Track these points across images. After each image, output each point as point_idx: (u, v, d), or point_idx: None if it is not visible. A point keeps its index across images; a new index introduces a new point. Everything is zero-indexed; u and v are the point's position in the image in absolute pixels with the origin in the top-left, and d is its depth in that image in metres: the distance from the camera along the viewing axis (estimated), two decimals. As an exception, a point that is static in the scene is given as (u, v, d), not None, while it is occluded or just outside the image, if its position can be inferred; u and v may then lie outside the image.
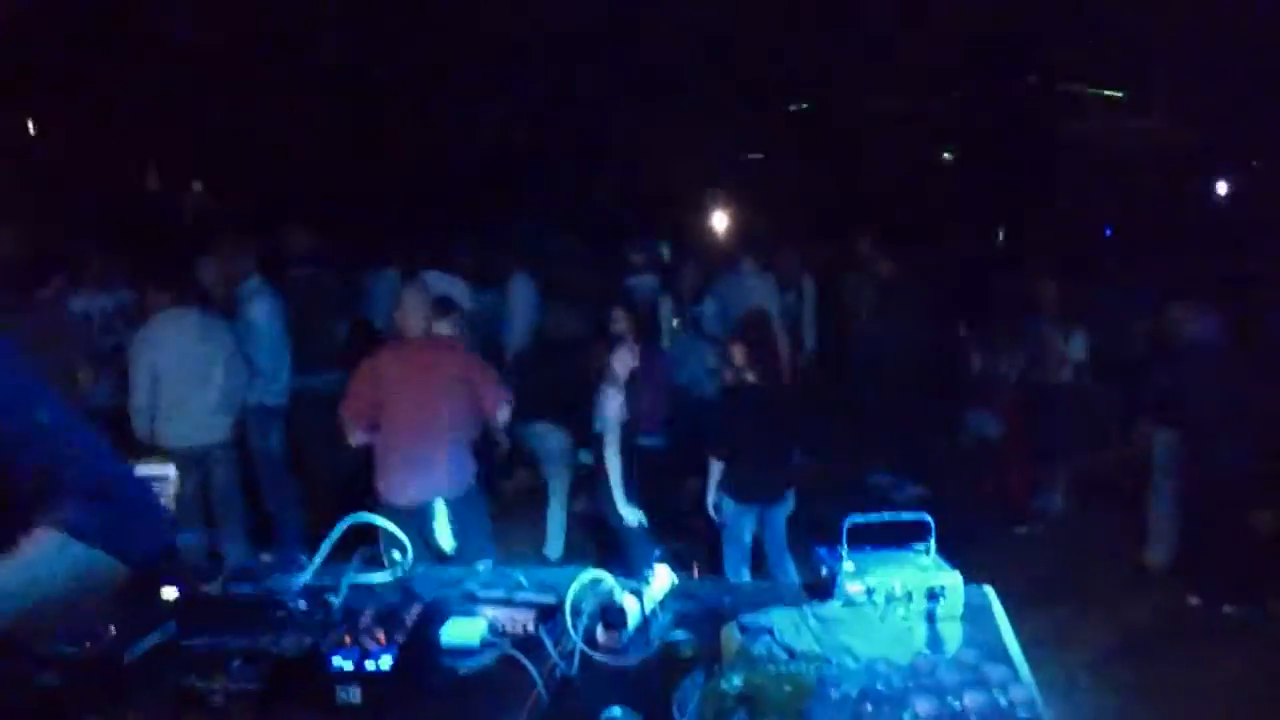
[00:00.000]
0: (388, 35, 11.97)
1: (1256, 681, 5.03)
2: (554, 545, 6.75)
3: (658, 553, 2.78)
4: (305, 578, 2.59)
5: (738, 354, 5.55)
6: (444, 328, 5.89)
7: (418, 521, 4.84)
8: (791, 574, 5.48)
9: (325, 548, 2.61)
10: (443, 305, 6.03)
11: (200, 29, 11.18)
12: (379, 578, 2.65)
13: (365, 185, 12.22)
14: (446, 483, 5.00)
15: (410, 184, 12.51)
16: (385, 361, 5.16)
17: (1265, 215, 11.58)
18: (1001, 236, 9.45)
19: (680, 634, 2.09)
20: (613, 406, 5.50)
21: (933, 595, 2.51)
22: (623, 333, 6.84)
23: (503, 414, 5.26)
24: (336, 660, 2.13)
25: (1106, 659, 5.33)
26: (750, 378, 5.53)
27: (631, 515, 5.49)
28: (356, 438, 5.09)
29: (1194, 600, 5.85)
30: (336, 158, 12.40)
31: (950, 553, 2.64)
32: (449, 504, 4.99)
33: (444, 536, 4.90)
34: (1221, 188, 13.83)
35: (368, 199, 11.53)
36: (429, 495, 4.96)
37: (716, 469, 5.54)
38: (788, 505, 5.63)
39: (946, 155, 12.52)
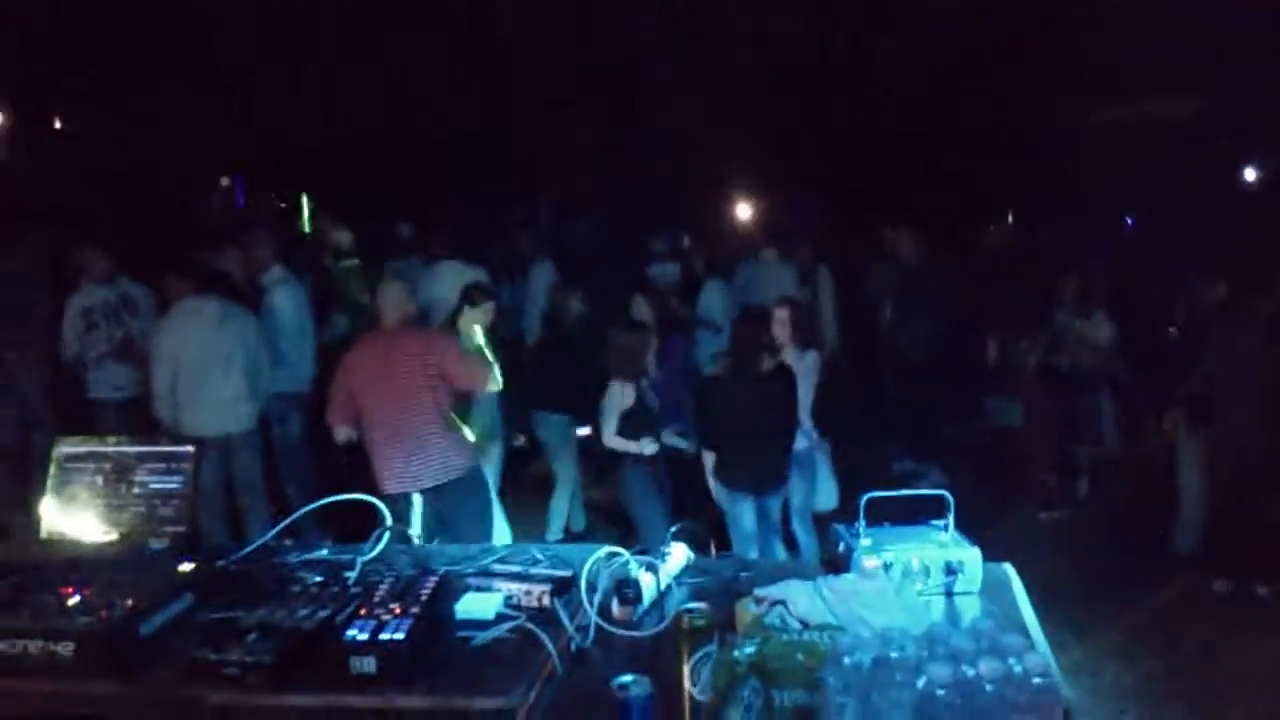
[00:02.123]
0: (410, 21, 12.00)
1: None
2: (554, 529, 6.79)
3: (674, 529, 2.77)
4: (321, 552, 2.60)
5: (781, 332, 5.57)
6: (476, 316, 5.90)
7: (409, 510, 4.86)
8: (780, 555, 5.51)
9: (297, 514, 2.66)
10: (470, 293, 6.04)
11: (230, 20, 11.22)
12: (392, 554, 2.66)
13: (387, 175, 12.26)
14: (429, 471, 4.97)
15: (430, 172, 12.54)
16: (355, 357, 5.15)
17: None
18: (1022, 223, 9.35)
19: (694, 606, 2.08)
20: (616, 395, 5.54)
21: (950, 570, 2.50)
22: (644, 320, 6.84)
23: (483, 385, 5.22)
24: (351, 632, 2.12)
25: (1132, 641, 5.30)
26: (787, 359, 5.54)
27: (640, 445, 5.52)
28: (340, 435, 5.10)
29: (1221, 585, 5.79)
30: (357, 148, 12.45)
31: (972, 536, 2.61)
32: (442, 490, 4.98)
33: (415, 525, 4.87)
34: (1250, 174, 13.67)
35: (391, 189, 11.54)
36: (412, 485, 4.95)
37: (709, 458, 5.54)
38: (784, 492, 5.64)
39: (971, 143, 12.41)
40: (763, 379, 5.42)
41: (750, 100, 12.58)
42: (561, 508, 6.83)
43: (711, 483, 5.55)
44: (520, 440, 6.99)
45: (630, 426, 5.53)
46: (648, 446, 5.53)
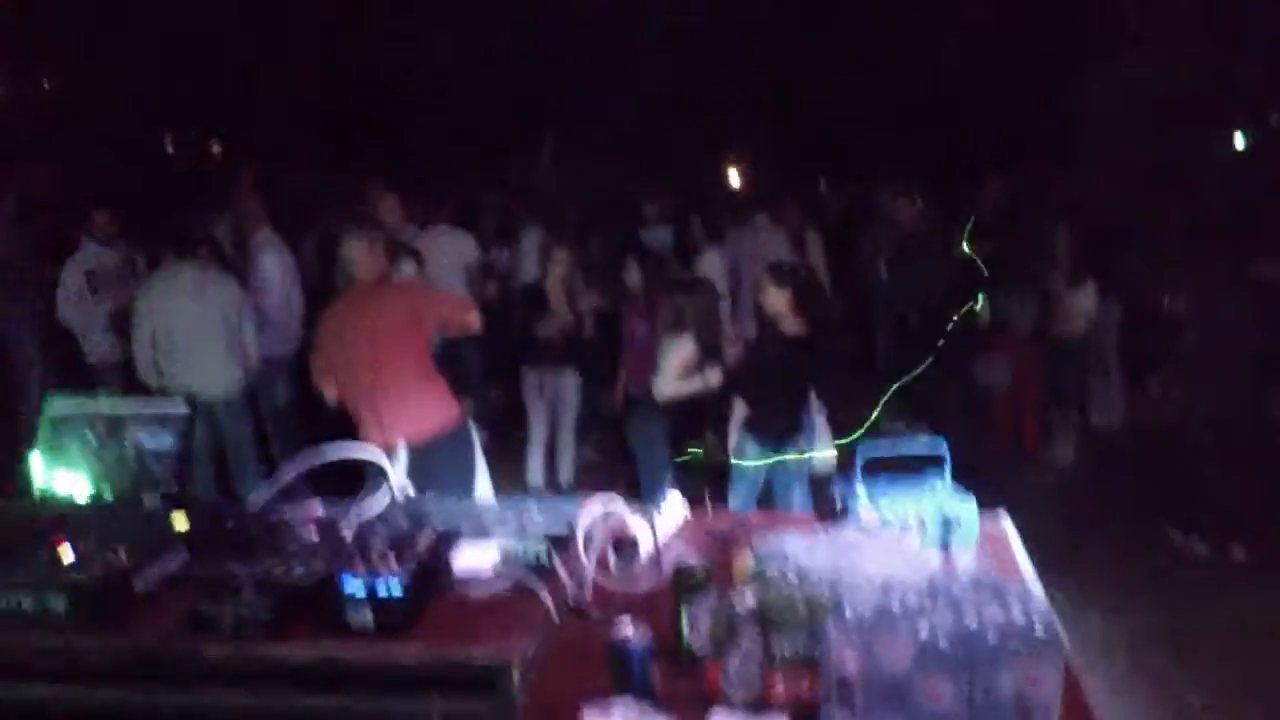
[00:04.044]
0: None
1: (1270, 624, 5.04)
2: (534, 481, 6.83)
3: (670, 483, 2.76)
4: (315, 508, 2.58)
5: (778, 299, 5.52)
6: (408, 269, 5.87)
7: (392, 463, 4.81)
8: (802, 505, 5.52)
9: (293, 469, 2.65)
10: (400, 249, 6.00)
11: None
12: (387, 509, 2.64)
13: (378, 141, 12.18)
14: (415, 423, 4.88)
15: (423, 137, 12.45)
16: (335, 316, 5.04)
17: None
18: (1016, 185, 9.31)
19: (692, 559, 2.07)
20: (686, 348, 5.62)
21: (948, 523, 2.50)
22: (633, 284, 6.82)
23: (471, 319, 5.14)
24: (348, 585, 2.12)
25: (1118, 596, 5.34)
26: (787, 325, 5.52)
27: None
28: (330, 396, 5.03)
29: (1203, 548, 5.85)
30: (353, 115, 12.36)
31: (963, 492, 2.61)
32: (424, 446, 4.93)
33: (399, 481, 4.81)
34: (1237, 139, 13.66)
35: (382, 155, 11.47)
36: (397, 437, 4.87)
37: (740, 410, 5.55)
38: (798, 446, 5.67)
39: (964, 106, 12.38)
40: (795, 339, 5.47)
41: (741, 62, 12.52)
42: (537, 459, 6.86)
43: (735, 436, 5.57)
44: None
45: (685, 375, 5.64)
46: (713, 377, 5.61)
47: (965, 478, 2.67)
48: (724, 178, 11.73)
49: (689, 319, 5.66)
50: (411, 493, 3.41)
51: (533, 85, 12.55)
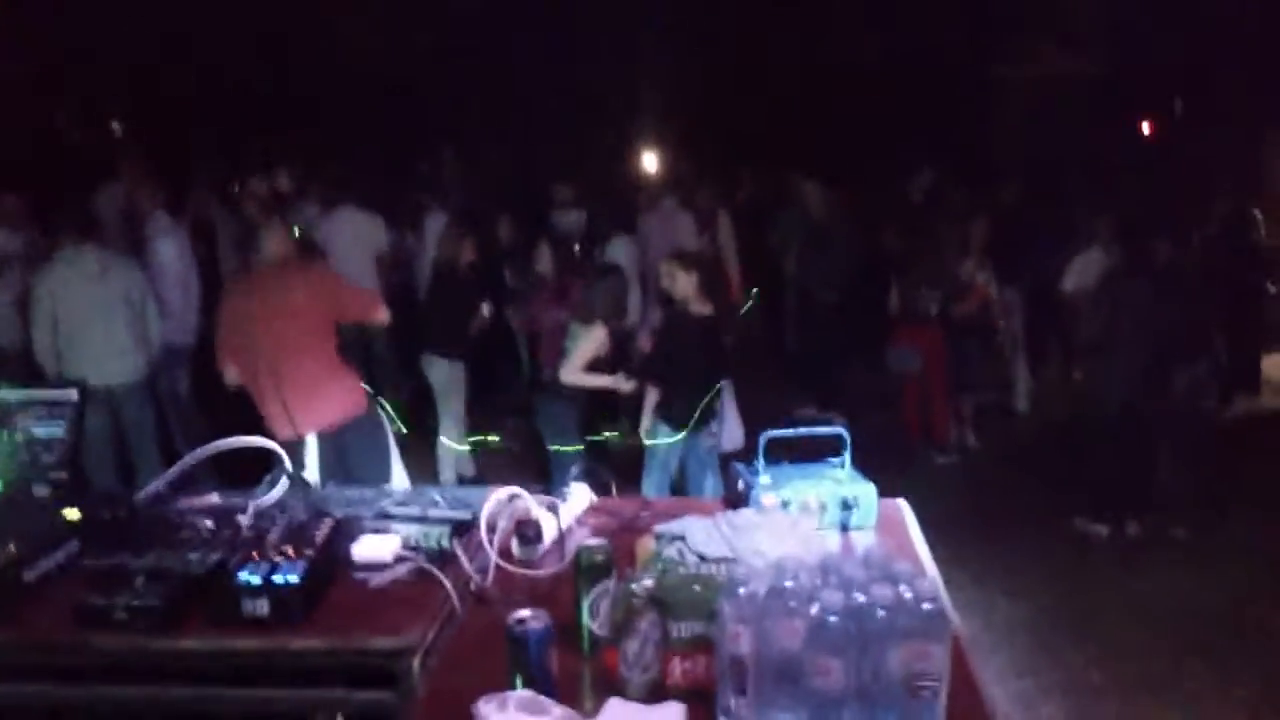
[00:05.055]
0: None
1: (1165, 600, 5.23)
2: (446, 475, 6.76)
3: (575, 470, 2.76)
4: (212, 497, 2.53)
5: (687, 283, 5.54)
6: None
7: (303, 455, 4.71)
8: (715, 491, 5.57)
9: (189, 459, 2.60)
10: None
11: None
12: (286, 499, 2.60)
13: (279, 121, 11.95)
14: (325, 412, 4.81)
15: (322, 117, 12.25)
16: (238, 298, 4.95)
17: (1191, 152, 11.85)
18: (927, 174, 9.48)
19: (593, 543, 2.08)
20: (595, 337, 5.65)
21: (846, 506, 2.54)
22: (544, 269, 6.80)
23: (379, 315, 5.12)
24: (244, 575, 2.09)
25: (1021, 579, 5.50)
26: (696, 308, 5.54)
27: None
28: (230, 375, 4.89)
29: (1102, 529, 6.04)
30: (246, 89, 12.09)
31: (870, 478, 2.64)
32: (334, 435, 4.86)
33: (311, 470, 4.72)
34: (1145, 128, 14.09)
35: (283, 135, 11.26)
36: (307, 427, 4.76)
37: (653, 395, 5.58)
38: (710, 430, 5.72)
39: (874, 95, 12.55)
40: (704, 321, 5.51)
41: (652, 43, 12.54)
42: (449, 453, 6.81)
43: (648, 420, 5.58)
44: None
45: (600, 367, 5.65)
46: (623, 383, 5.67)
47: (871, 461, 2.71)
48: (638, 163, 11.72)
49: (599, 308, 5.66)
50: (321, 483, 3.37)
51: (445, 68, 12.42)
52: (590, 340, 5.61)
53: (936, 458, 7.50)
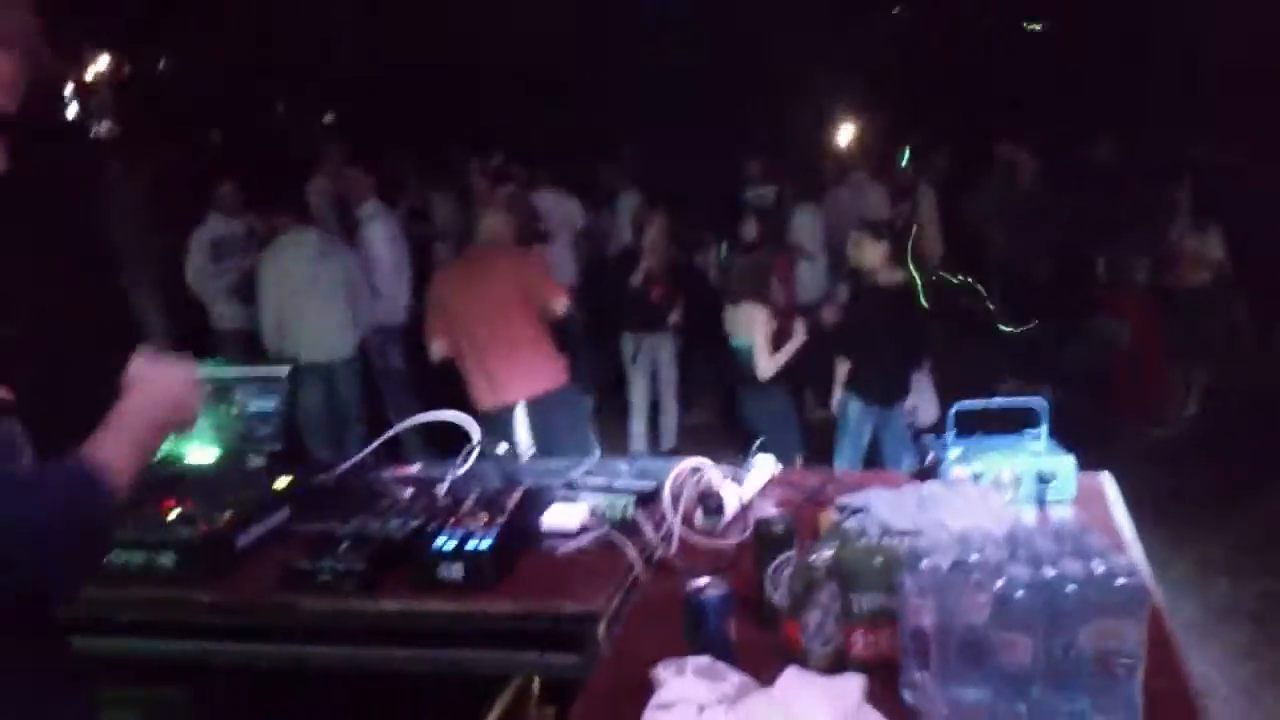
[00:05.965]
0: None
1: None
2: (638, 448, 6.89)
3: (759, 443, 2.75)
4: (413, 468, 2.65)
5: (875, 253, 5.45)
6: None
7: (506, 425, 4.94)
8: (911, 465, 5.44)
9: (391, 432, 2.77)
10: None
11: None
12: (481, 469, 2.70)
13: (478, 108, 12.31)
14: (525, 386, 5.07)
15: (522, 103, 12.53)
16: (448, 275, 5.34)
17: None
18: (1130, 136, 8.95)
19: (775, 514, 2.07)
20: (761, 321, 5.56)
21: (1043, 479, 2.43)
22: (754, 242, 6.79)
23: (559, 304, 5.24)
24: (439, 541, 2.18)
25: (1249, 562, 5.15)
26: (885, 278, 5.44)
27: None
28: (435, 350, 5.18)
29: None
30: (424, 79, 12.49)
31: (1077, 452, 2.52)
32: (536, 405, 5.06)
33: (522, 439, 4.96)
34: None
35: (481, 123, 11.59)
36: (508, 400, 5.05)
37: (844, 368, 5.51)
38: (905, 405, 5.60)
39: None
40: (894, 292, 5.41)
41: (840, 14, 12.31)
42: (640, 428, 6.93)
43: (838, 394, 5.53)
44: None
45: (780, 341, 5.59)
46: (801, 333, 5.60)
47: (1080, 435, 2.59)
48: (832, 139, 11.51)
49: (746, 285, 5.60)
50: (533, 450, 3.50)
51: (637, 61, 12.50)
52: (759, 323, 5.55)
53: (1154, 432, 7.09)
